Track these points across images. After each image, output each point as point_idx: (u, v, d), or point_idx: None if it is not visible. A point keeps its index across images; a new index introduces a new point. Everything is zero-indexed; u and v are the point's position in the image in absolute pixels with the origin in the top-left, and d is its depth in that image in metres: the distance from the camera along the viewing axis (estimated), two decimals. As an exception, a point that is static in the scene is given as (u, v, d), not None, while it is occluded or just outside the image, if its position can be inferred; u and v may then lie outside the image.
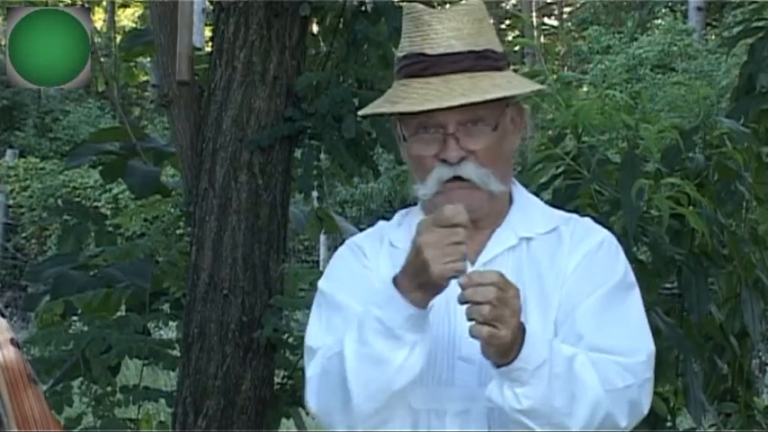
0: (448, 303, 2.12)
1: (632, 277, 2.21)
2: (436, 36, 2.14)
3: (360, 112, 2.36)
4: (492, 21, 2.33)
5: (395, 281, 2.03)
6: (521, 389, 1.99)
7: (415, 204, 2.31)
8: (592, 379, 2.04)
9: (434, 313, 2.10)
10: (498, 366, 2.00)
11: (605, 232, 2.24)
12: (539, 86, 2.31)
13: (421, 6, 2.18)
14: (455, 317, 2.14)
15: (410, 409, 2.13)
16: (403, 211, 2.31)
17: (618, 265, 2.19)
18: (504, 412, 2.05)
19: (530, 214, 2.24)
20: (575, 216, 2.28)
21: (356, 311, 2.12)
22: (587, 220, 2.28)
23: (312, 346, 2.19)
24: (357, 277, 2.21)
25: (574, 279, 2.16)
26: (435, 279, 1.99)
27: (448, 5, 2.20)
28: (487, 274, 1.97)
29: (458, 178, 2.14)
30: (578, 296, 2.13)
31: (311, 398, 2.15)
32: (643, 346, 2.13)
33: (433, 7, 2.20)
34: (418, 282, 2.00)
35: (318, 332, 2.20)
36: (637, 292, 2.20)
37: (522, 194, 2.28)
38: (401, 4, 4.32)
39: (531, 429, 2.03)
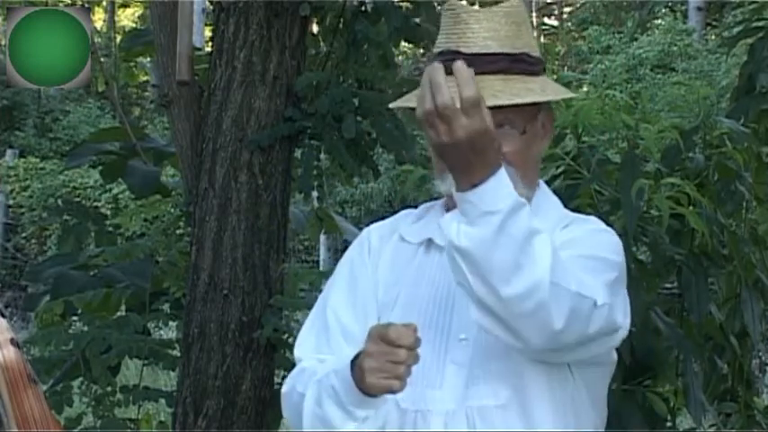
0: (448, 306, 2.13)
1: (619, 260, 2.14)
2: (473, 35, 2.12)
3: (391, 105, 2.31)
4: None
5: (354, 361, 2.04)
6: (465, 226, 1.93)
7: (437, 199, 2.30)
8: (544, 261, 1.93)
9: (430, 316, 2.10)
10: (458, 189, 1.94)
11: (607, 228, 2.21)
12: (572, 94, 2.29)
13: (460, 4, 2.16)
14: (450, 319, 2.14)
15: (399, 409, 2.14)
16: (427, 204, 2.29)
17: (608, 251, 2.13)
18: (481, 410, 2.08)
19: (542, 218, 2.18)
20: (580, 215, 2.27)
21: (343, 330, 2.18)
22: (591, 217, 2.26)
23: (296, 354, 2.29)
24: (355, 279, 2.23)
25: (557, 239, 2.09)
26: (367, 389, 2.01)
27: (486, 6, 2.17)
28: (475, 100, 1.88)
29: None
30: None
31: (282, 404, 2.26)
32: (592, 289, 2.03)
33: (473, 5, 2.18)
34: (360, 382, 2.03)
35: (305, 341, 2.28)
36: (617, 273, 2.12)
37: (542, 197, 2.25)
38: (402, 4, 4.33)
39: (465, 277, 1.95)
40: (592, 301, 2.00)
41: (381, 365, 1.98)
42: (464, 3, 2.18)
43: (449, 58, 2.10)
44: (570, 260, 2.02)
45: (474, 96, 1.87)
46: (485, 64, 2.10)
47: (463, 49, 2.12)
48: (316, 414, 2.11)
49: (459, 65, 1.89)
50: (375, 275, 2.21)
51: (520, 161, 2.14)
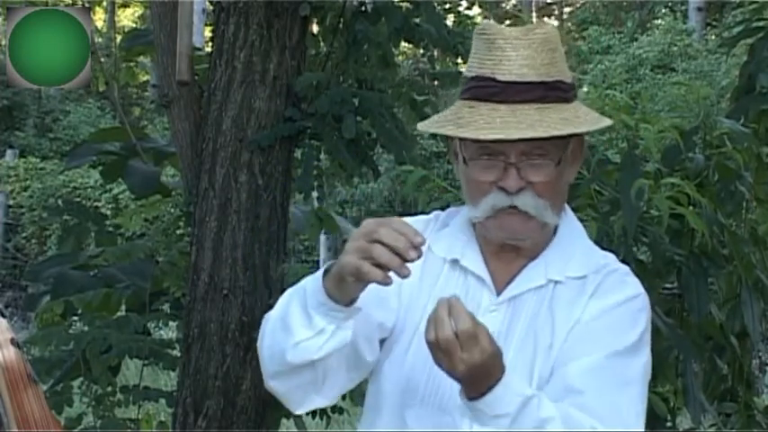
0: None
1: (645, 339, 2.14)
2: (509, 63, 2.09)
3: (421, 128, 2.21)
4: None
5: (328, 268, 2.01)
6: (479, 427, 1.97)
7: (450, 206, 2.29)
8: None
9: None
10: (466, 395, 1.97)
11: (634, 290, 2.17)
12: (606, 122, 2.21)
13: (495, 28, 2.13)
14: None
15: (404, 426, 2.12)
16: (452, 210, 2.28)
17: (635, 327, 2.12)
18: None
19: (568, 253, 2.18)
20: (611, 263, 2.21)
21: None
22: (622, 271, 2.20)
23: None
24: None
25: (584, 329, 2.10)
26: (339, 272, 1.95)
27: (522, 30, 2.13)
28: (471, 333, 1.89)
29: (513, 206, 2.11)
30: (582, 348, 2.08)
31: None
32: (625, 421, 2.06)
33: (501, 23, 2.16)
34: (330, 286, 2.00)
35: None
36: (642, 358, 2.12)
37: (568, 228, 2.23)
38: (402, 4, 4.33)
39: None
40: None
41: (363, 246, 1.91)
42: (498, 26, 2.14)
43: (483, 84, 2.10)
44: (599, 373, 2.04)
45: (469, 329, 1.89)
46: (520, 93, 2.08)
47: (499, 77, 2.09)
48: (278, 316, 2.07)
49: (454, 301, 1.91)
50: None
51: (551, 192, 2.12)
